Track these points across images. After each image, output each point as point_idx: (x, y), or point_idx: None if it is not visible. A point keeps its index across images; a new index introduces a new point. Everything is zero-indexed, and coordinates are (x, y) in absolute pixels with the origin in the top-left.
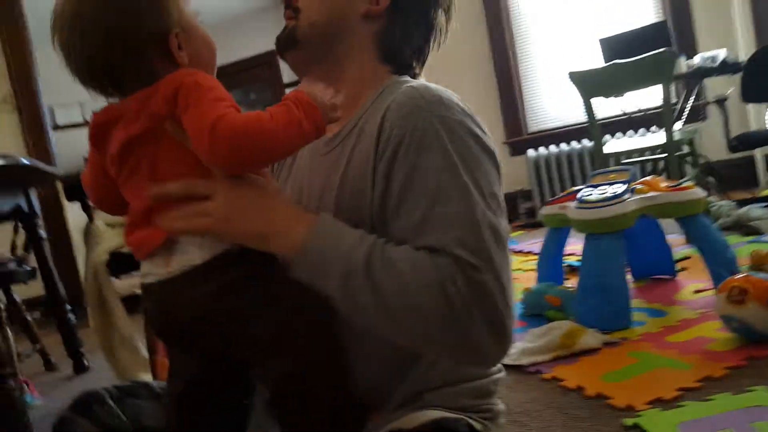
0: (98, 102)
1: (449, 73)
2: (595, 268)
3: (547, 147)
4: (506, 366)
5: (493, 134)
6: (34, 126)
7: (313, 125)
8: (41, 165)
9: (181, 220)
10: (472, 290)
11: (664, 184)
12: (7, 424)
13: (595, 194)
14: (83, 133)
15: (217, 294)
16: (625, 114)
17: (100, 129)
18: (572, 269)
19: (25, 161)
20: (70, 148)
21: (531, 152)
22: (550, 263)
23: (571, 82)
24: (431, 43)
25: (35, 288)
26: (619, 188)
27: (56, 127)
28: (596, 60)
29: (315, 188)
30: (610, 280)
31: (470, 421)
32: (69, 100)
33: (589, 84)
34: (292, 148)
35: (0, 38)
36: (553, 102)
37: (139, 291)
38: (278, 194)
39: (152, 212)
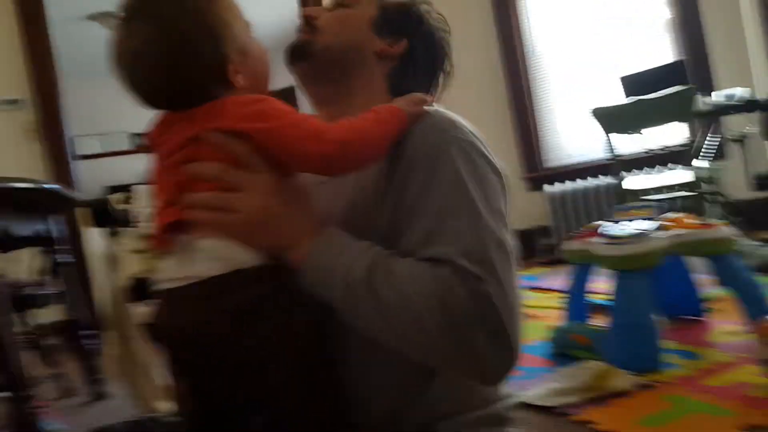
0: (117, 135)
1: (464, 108)
2: (626, 307)
3: (563, 182)
4: (533, 407)
5: (509, 169)
6: (57, 155)
7: (397, 120)
8: (65, 191)
9: (205, 209)
10: (473, 300)
11: (691, 222)
12: None
13: (619, 230)
14: (102, 163)
15: (223, 313)
16: (646, 151)
17: (157, 130)
18: (597, 308)
19: (49, 186)
20: (90, 178)
21: (548, 188)
22: (577, 301)
23: (594, 118)
24: (440, 85)
25: (55, 314)
26: (646, 224)
27: (76, 157)
28: (612, 97)
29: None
30: (640, 320)
31: None
32: (90, 131)
33: (612, 120)
34: (387, 143)
35: (28, 70)
36: (569, 138)
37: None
38: (303, 201)
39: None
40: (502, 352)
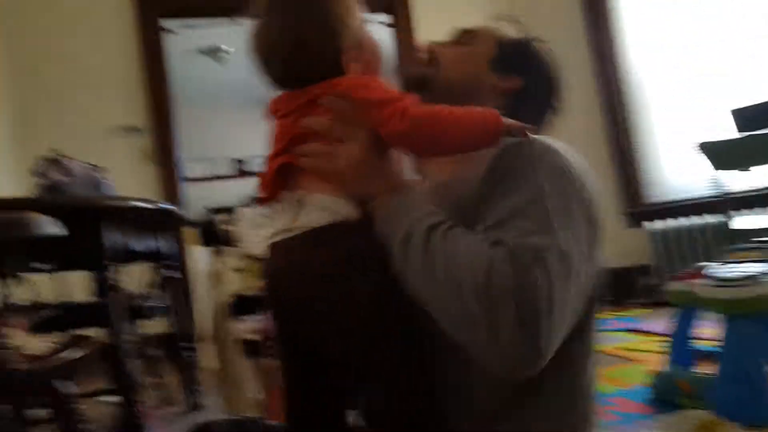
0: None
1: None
2: (736, 354)
3: (664, 219)
4: None
5: (608, 204)
6: (168, 178)
7: (490, 128)
8: (177, 210)
9: (312, 156)
10: (517, 281)
11: None
12: None
13: (731, 272)
14: (207, 187)
15: (331, 261)
16: (757, 189)
17: (277, 100)
18: (703, 354)
19: (164, 206)
20: (195, 199)
21: (649, 225)
22: (680, 345)
23: (701, 153)
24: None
25: (158, 326)
26: (758, 266)
27: (184, 180)
28: (720, 130)
29: None
30: (751, 368)
31: None
32: (197, 156)
33: (721, 156)
34: (464, 143)
35: (146, 99)
36: (672, 172)
37: (256, 336)
38: (394, 163)
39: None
40: (526, 343)
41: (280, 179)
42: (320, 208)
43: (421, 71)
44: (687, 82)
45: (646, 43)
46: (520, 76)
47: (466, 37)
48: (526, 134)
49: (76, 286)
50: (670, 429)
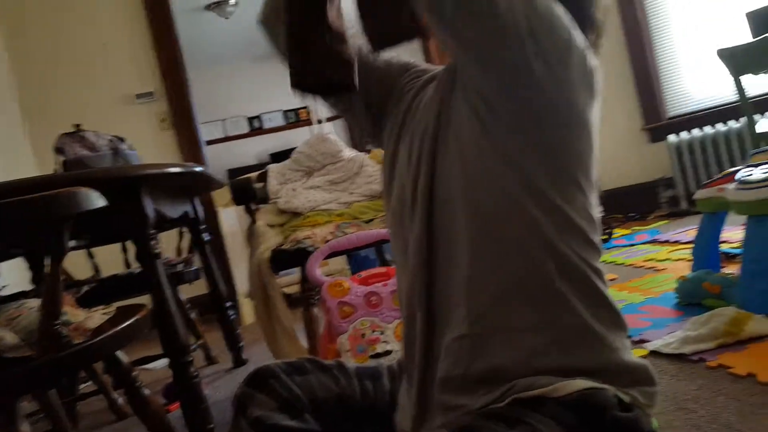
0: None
1: None
2: (762, 252)
3: (689, 131)
4: (667, 356)
5: (630, 120)
6: (189, 142)
7: None
8: (211, 173)
9: None
10: None
11: None
12: (190, 406)
13: (757, 173)
14: (226, 147)
15: None
16: None
17: None
18: (728, 257)
19: (198, 169)
20: (215, 161)
21: (672, 138)
22: (706, 250)
23: (719, 60)
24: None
25: (193, 288)
26: None
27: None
28: (737, 36)
29: None
30: None
31: (618, 393)
32: (213, 118)
33: (739, 60)
34: None
35: (159, 63)
36: (693, 83)
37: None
38: None
39: None
40: None
41: None
42: None
43: None
44: None
45: None
46: None
47: None
48: None
49: (102, 258)
50: (702, 327)
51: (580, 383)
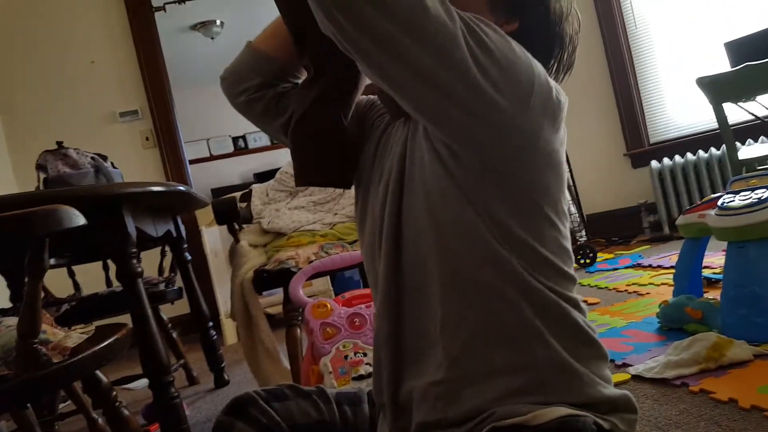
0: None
1: (564, 87)
2: (742, 278)
3: (671, 157)
4: (650, 380)
5: (613, 146)
6: (173, 161)
7: None
8: (194, 192)
9: None
10: None
11: None
12: (170, 427)
13: (737, 201)
14: (210, 167)
15: None
16: (758, 119)
17: None
18: (710, 282)
19: (180, 189)
20: (199, 180)
21: (654, 164)
22: (688, 276)
23: (699, 88)
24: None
25: (175, 308)
26: (764, 193)
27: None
28: (719, 65)
29: None
30: (759, 290)
31: (598, 420)
32: (198, 137)
33: (718, 89)
34: None
35: (144, 81)
36: (676, 111)
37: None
38: None
39: None
40: None
41: None
42: None
43: None
44: (685, 21)
45: None
46: (516, 18)
47: None
48: None
49: (84, 276)
50: (684, 352)
51: (559, 411)
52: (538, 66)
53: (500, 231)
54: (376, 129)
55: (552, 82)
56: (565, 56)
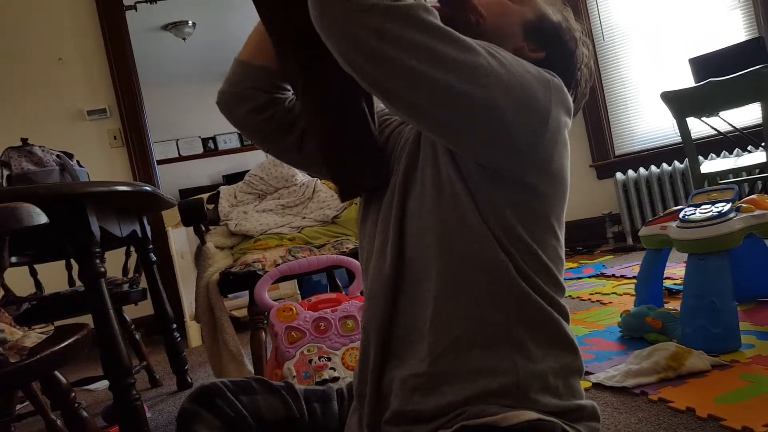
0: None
1: None
2: (701, 289)
3: (635, 170)
4: (610, 388)
5: (579, 157)
6: (141, 160)
7: None
8: (161, 192)
9: None
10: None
11: None
12: (131, 429)
13: (698, 213)
14: (179, 167)
15: None
16: (720, 133)
17: None
18: (671, 292)
19: (146, 189)
20: (167, 181)
21: (619, 175)
22: (650, 286)
23: (664, 102)
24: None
25: (139, 309)
26: (724, 207)
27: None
28: (684, 81)
29: None
30: (718, 301)
31: (565, 426)
32: (167, 138)
33: (682, 103)
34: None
35: (113, 80)
36: (640, 124)
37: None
38: None
39: None
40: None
41: None
42: None
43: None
44: (651, 36)
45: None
46: (543, 50)
47: None
48: None
49: (46, 275)
50: (643, 361)
51: (529, 414)
52: (546, 95)
53: (507, 235)
54: (385, 129)
55: (568, 99)
56: (579, 93)
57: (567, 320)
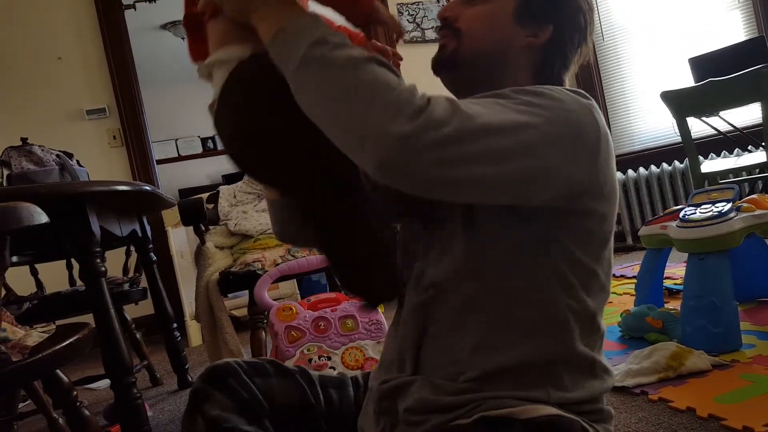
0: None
1: None
2: (702, 289)
3: (636, 169)
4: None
5: None
6: (140, 160)
7: None
8: (160, 192)
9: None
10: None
11: None
12: (132, 428)
13: (698, 213)
14: (178, 167)
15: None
16: (720, 133)
17: None
18: (671, 292)
19: (147, 188)
20: (167, 181)
21: (619, 175)
22: (650, 286)
23: (664, 102)
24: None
25: (139, 308)
26: (724, 206)
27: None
28: (683, 80)
29: None
30: (718, 301)
31: (584, 423)
32: (166, 137)
33: (683, 103)
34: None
35: (113, 79)
36: (640, 123)
37: (242, 311)
38: None
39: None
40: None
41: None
42: (223, 65)
43: (445, 49)
44: (651, 35)
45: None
46: (549, 23)
47: None
48: None
49: (47, 275)
50: (644, 361)
51: (549, 409)
52: (586, 120)
53: (570, 264)
54: None
55: (600, 121)
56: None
57: (602, 340)
